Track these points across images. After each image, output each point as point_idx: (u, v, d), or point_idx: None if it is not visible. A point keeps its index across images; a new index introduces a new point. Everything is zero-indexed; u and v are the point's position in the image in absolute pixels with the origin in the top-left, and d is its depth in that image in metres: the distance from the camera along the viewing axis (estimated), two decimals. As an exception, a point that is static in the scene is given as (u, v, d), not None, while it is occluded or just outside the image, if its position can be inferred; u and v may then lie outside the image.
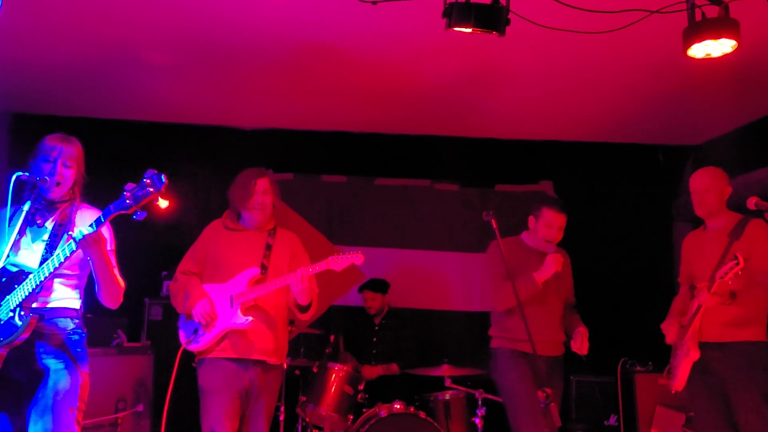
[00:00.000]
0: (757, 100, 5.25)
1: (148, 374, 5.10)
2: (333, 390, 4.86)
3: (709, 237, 3.94)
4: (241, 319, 3.74)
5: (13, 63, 4.86)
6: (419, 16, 3.96)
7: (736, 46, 3.38)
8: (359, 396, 4.94)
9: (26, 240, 3.04)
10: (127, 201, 2.78)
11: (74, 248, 2.84)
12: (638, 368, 5.26)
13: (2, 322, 2.84)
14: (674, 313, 4.06)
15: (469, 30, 3.30)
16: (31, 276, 2.88)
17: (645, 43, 4.21)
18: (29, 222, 3.06)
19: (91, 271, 3.11)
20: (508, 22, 3.35)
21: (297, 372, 5.22)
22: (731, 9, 3.33)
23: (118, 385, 4.87)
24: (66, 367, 2.98)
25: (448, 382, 4.95)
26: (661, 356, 4.03)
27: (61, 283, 3.06)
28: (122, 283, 3.14)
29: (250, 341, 3.77)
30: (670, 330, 3.92)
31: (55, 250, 2.95)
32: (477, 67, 4.78)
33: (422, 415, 4.72)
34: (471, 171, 6.51)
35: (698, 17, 3.37)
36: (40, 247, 3.01)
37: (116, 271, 3.12)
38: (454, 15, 3.28)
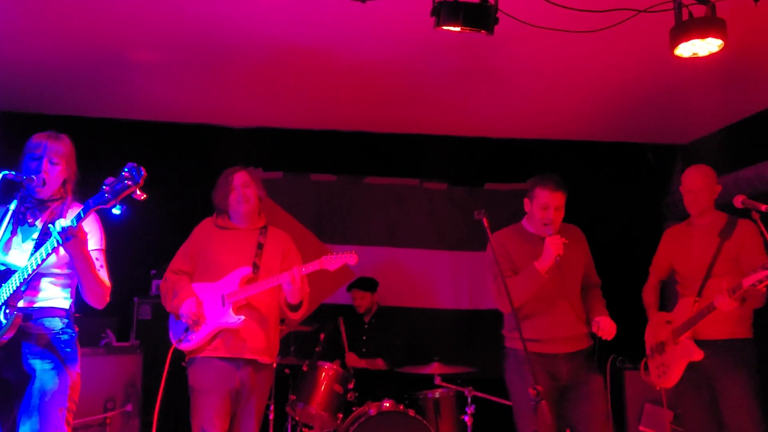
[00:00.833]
0: (743, 99, 5.28)
1: (137, 374, 5.09)
2: (323, 389, 4.86)
3: (696, 234, 3.96)
4: (233, 318, 3.74)
5: (1, 61, 4.83)
6: (408, 15, 3.96)
7: (722, 46, 3.40)
8: (349, 394, 4.95)
9: (17, 239, 3.02)
10: (106, 195, 2.76)
11: (55, 244, 2.81)
12: (627, 365, 5.29)
13: None
14: (652, 305, 4.14)
15: (457, 29, 3.30)
16: (16, 274, 2.87)
17: (632, 43, 4.23)
18: (20, 221, 3.04)
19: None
20: (496, 21, 3.36)
21: (287, 371, 5.22)
22: (718, 8, 3.35)
23: (106, 384, 4.86)
24: (54, 368, 2.96)
25: (437, 380, 4.96)
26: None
27: (50, 283, 3.04)
28: (107, 283, 3.12)
29: (242, 340, 3.77)
30: (661, 329, 3.94)
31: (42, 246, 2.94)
32: (466, 65, 4.79)
33: (412, 413, 4.73)
34: (460, 170, 6.52)
35: (685, 16, 3.39)
36: (29, 246, 2.98)
37: (102, 272, 3.11)
38: (442, 14, 3.29)
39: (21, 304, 2.89)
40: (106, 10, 4.08)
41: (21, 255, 2.97)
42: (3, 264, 2.93)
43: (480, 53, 4.53)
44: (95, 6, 4.04)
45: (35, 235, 3.00)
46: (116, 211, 2.82)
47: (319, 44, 4.50)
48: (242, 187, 3.94)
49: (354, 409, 4.91)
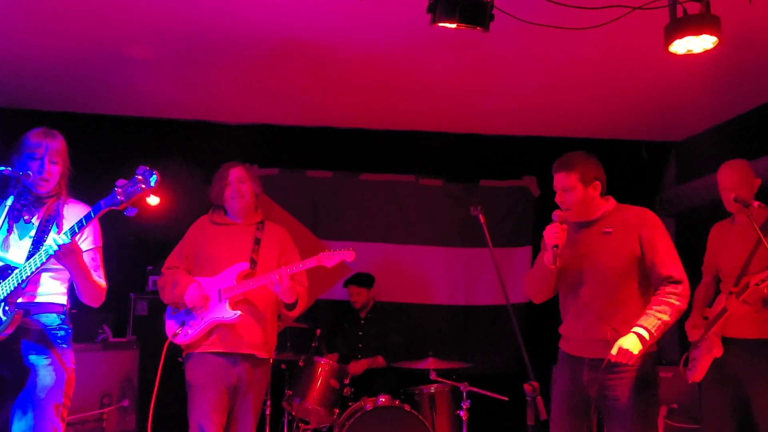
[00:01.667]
0: (738, 96, 5.30)
1: (133, 369, 5.09)
2: (319, 384, 4.88)
3: (736, 231, 3.90)
4: (230, 313, 3.74)
5: (-4, 57, 4.83)
6: (404, 12, 3.97)
7: (717, 42, 3.41)
8: (345, 390, 4.97)
9: (14, 236, 3.03)
10: (119, 197, 2.79)
11: (50, 256, 2.84)
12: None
13: None
14: (699, 304, 4.04)
15: (453, 25, 3.31)
16: (15, 272, 2.88)
17: (627, 40, 4.24)
18: (16, 218, 3.05)
19: None
20: (492, 17, 3.37)
21: (283, 366, 5.23)
22: (712, 5, 3.36)
23: (103, 380, 4.86)
24: (51, 363, 2.97)
25: (433, 376, 4.98)
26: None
27: (50, 277, 3.06)
28: (103, 284, 3.14)
29: (239, 335, 3.77)
30: (698, 324, 3.93)
31: (41, 244, 2.96)
32: (461, 62, 4.80)
33: (407, 408, 4.75)
34: (456, 166, 6.54)
35: (679, 13, 3.40)
36: (27, 243, 3.00)
37: (99, 272, 3.13)
38: (438, 10, 3.30)
39: (20, 300, 2.90)
40: (102, 6, 4.07)
41: (19, 251, 2.99)
42: (1, 260, 2.94)
43: (475, 50, 4.54)
44: (90, 3, 4.04)
45: (32, 233, 3.02)
46: (131, 213, 2.83)
47: (315, 41, 4.50)
48: (237, 183, 3.95)
49: (350, 404, 4.93)
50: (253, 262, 3.88)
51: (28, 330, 2.96)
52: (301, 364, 4.99)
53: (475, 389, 4.88)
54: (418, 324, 6.23)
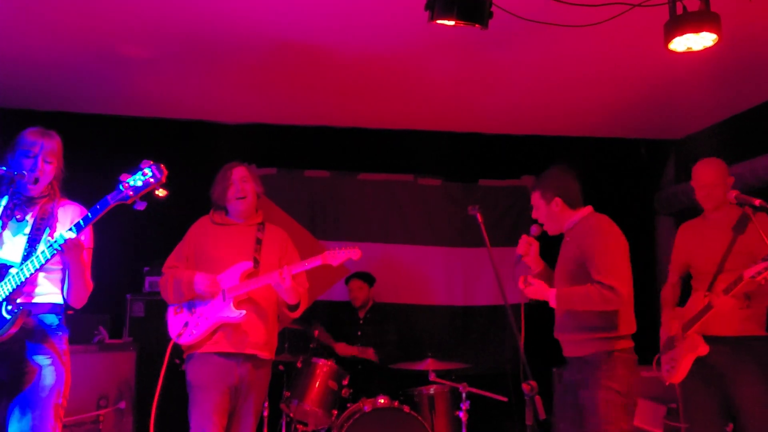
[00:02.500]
0: (737, 94, 5.29)
1: (130, 371, 5.06)
2: (317, 385, 4.85)
3: (711, 228, 3.90)
4: (234, 312, 3.72)
5: (-8, 57, 4.81)
6: (402, 10, 3.95)
7: (716, 40, 3.40)
8: (343, 391, 4.94)
9: (7, 234, 3.02)
10: (128, 192, 2.79)
11: (55, 251, 2.83)
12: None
13: None
14: (668, 304, 4.05)
15: (451, 23, 3.30)
16: (13, 271, 2.87)
17: (626, 37, 4.23)
18: (8, 216, 3.03)
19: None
20: (490, 15, 3.36)
21: (281, 367, 5.21)
22: (712, 2, 3.35)
23: (99, 382, 4.83)
24: (52, 363, 2.97)
25: (432, 377, 4.96)
26: (643, 350, 4.04)
27: (46, 278, 3.05)
28: (91, 284, 3.14)
29: (243, 333, 3.75)
30: (673, 324, 3.92)
31: (36, 244, 2.96)
32: (460, 60, 4.78)
33: (406, 409, 4.73)
34: (454, 166, 6.52)
35: (679, 11, 3.39)
36: (21, 241, 2.99)
37: (88, 274, 3.12)
38: (436, 8, 3.29)
39: (18, 300, 2.90)
40: (99, 5, 4.06)
41: (13, 250, 2.98)
42: None
43: (474, 48, 4.52)
44: (88, 2, 4.02)
45: (27, 230, 3.01)
46: (140, 207, 2.82)
47: (312, 39, 4.49)
48: (240, 182, 3.94)
49: (348, 405, 4.91)
50: (256, 262, 3.87)
51: (29, 330, 2.95)
52: (299, 365, 4.97)
53: (474, 390, 4.86)
54: (416, 325, 6.22)
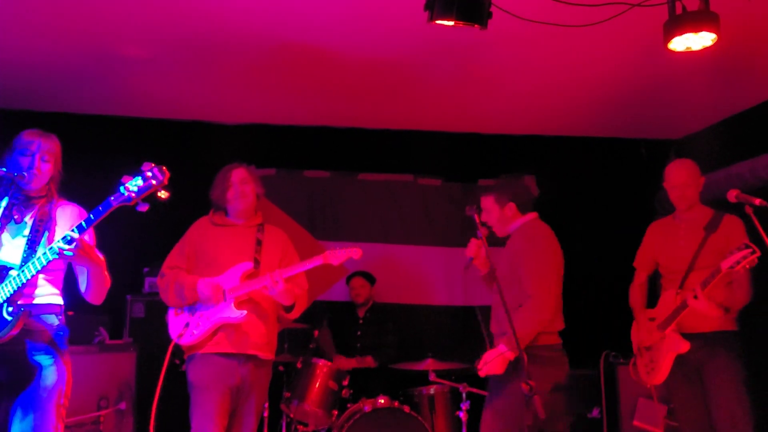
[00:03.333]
0: (737, 93, 5.29)
1: (130, 372, 5.05)
2: (317, 386, 4.85)
3: (682, 228, 3.98)
4: (236, 312, 3.71)
5: (-10, 58, 4.81)
6: (401, 10, 3.95)
7: (716, 40, 3.40)
8: (344, 391, 4.94)
9: (6, 236, 3.02)
10: (130, 194, 2.81)
11: (56, 251, 2.82)
12: (621, 361, 5.29)
13: None
14: (638, 305, 4.12)
15: (451, 23, 3.30)
16: (13, 273, 2.87)
17: (626, 37, 4.22)
18: (6, 217, 3.04)
19: (69, 267, 3.11)
20: (490, 15, 3.35)
21: (281, 368, 5.21)
22: (711, 2, 3.35)
23: (100, 383, 4.82)
24: (54, 363, 2.98)
25: (432, 377, 4.95)
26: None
27: (45, 279, 3.05)
28: (109, 280, 3.15)
29: (244, 334, 3.75)
30: (648, 326, 3.95)
31: (36, 246, 2.95)
32: (459, 60, 4.78)
33: (407, 409, 4.73)
34: (454, 166, 6.52)
35: (678, 10, 3.39)
36: (20, 243, 2.99)
37: (106, 270, 3.12)
38: (436, 8, 3.28)
39: (19, 302, 2.90)
40: (97, 5, 4.06)
41: (13, 251, 2.98)
42: None
43: (473, 48, 4.52)
44: (86, 2, 4.02)
45: (26, 232, 3.01)
46: (143, 209, 2.85)
47: (312, 40, 4.49)
48: (240, 184, 3.93)
49: (349, 405, 4.90)
50: (256, 262, 3.86)
51: (30, 331, 2.95)
52: (299, 365, 4.97)
53: (474, 390, 4.85)
54: (416, 325, 6.21)
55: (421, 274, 6.38)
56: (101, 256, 3.05)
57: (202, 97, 5.63)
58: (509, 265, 3.73)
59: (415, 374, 5.20)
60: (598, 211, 6.40)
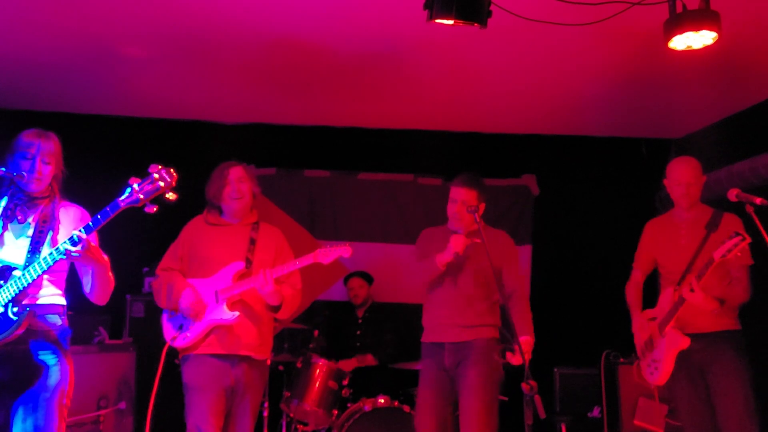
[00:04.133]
0: (738, 92, 5.28)
1: (130, 371, 5.06)
2: (317, 385, 4.85)
3: (683, 227, 3.94)
4: (228, 314, 3.70)
5: (-11, 57, 4.80)
6: (400, 8, 3.94)
7: (717, 38, 3.40)
8: (343, 391, 4.93)
9: (9, 236, 3.02)
10: (138, 195, 2.82)
11: (63, 251, 2.83)
12: (621, 360, 5.29)
13: None
14: (636, 305, 4.10)
15: (450, 22, 3.29)
16: (17, 273, 2.88)
17: (626, 36, 4.21)
18: (9, 218, 3.04)
19: (71, 267, 3.11)
20: (489, 14, 3.35)
21: (281, 367, 5.20)
22: (712, 0, 3.34)
23: (100, 382, 4.83)
24: (58, 363, 2.98)
25: (432, 376, 4.94)
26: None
27: (49, 279, 3.05)
28: (113, 281, 3.16)
29: (236, 336, 3.74)
30: (648, 326, 3.94)
31: (40, 246, 2.96)
32: (459, 60, 4.77)
33: (407, 409, 4.72)
34: (455, 165, 6.47)
35: (679, 9, 3.38)
36: (23, 243, 2.99)
37: (110, 271, 3.13)
38: (435, 7, 3.28)
39: (24, 302, 2.90)
40: (96, 5, 4.05)
41: (16, 251, 2.98)
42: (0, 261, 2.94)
43: (472, 46, 4.51)
44: (86, 2, 4.01)
45: (29, 232, 3.01)
46: (151, 210, 2.86)
47: (312, 39, 4.48)
48: (237, 182, 3.90)
49: (349, 405, 4.90)
50: (248, 262, 3.84)
51: (35, 331, 2.95)
52: (299, 365, 4.96)
53: (474, 389, 4.83)
54: (416, 324, 6.16)
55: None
56: (105, 257, 3.05)
57: (201, 96, 5.62)
58: (487, 264, 3.73)
59: (415, 374, 5.18)
60: (598, 210, 6.39)
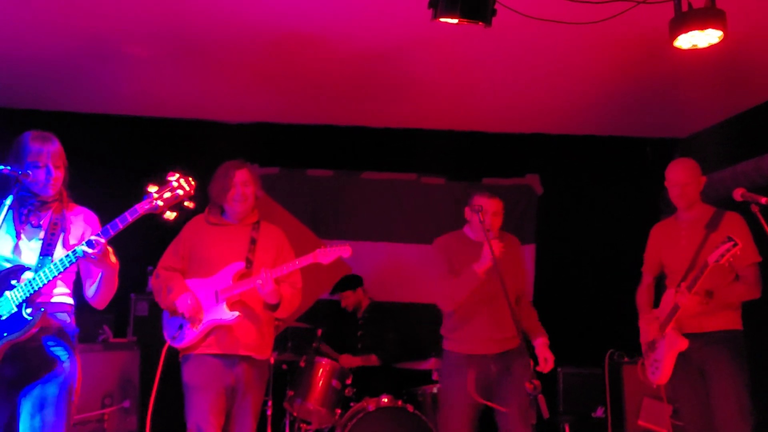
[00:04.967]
0: (743, 91, 5.26)
1: (134, 370, 5.06)
2: (320, 384, 4.85)
3: (684, 228, 3.97)
4: (228, 314, 3.70)
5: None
6: (405, 6, 3.93)
7: (722, 37, 3.39)
8: (347, 390, 4.93)
9: (23, 242, 3.03)
10: (158, 202, 2.91)
11: (80, 254, 2.85)
12: (626, 360, 5.28)
13: (3, 318, 2.83)
14: (644, 306, 4.13)
15: (455, 21, 3.28)
16: (30, 273, 2.89)
17: (631, 34, 4.20)
18: (23, 222, 3.06)
19: (77, 268, 3.13)
20: (494, 12, 3.34)
21: (284, 366, 5.20)
22: (717, -1, 3.33)
23: (104, 381, 4.84)
24: (69, 359, 3.00)
25: (435, 376, 4.95)
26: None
27: (60, 279, 3.05)
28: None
29: (235, 337, 3.73)
30: (652, 326, 3.95)
31: (52, 248, 2.98)
32: (463, 58, 4.77)
33: (410, 408, 4.71)
34: (458, 164, 6.50)
35: (684, 7, 3.37)
36: (35, 246, 3.01)
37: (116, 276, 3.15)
38: (440, 5, 3.27)
39: (37, 301, 2.92)
40: (98, 4, 4.05)
41: (29, 253, 3.00)
42: (8, 260, 2.96)
43: (477, 45, 4.50)
44: (86, 1, 4.01)
45: (41, 235, 3.03)
46: (169, 216, 2.91)
47: (315, 39, 4.48)
48: (242, 185, 3.87)
49: (352, 404, 4.90)
50: (248, 262, 3.83)
51: (48, 328, 2.97)
52: (302, 364, 4.96)
53: (477, 389, 4.83)
54: (420, 323, 6.18)
55: (425, 273, 6.35)
56: (116, 261, 3.06)
57: (204, 95, 5.62)
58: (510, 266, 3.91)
59: (418, 373, 5.19)
60: (602, 210, 6.37)
